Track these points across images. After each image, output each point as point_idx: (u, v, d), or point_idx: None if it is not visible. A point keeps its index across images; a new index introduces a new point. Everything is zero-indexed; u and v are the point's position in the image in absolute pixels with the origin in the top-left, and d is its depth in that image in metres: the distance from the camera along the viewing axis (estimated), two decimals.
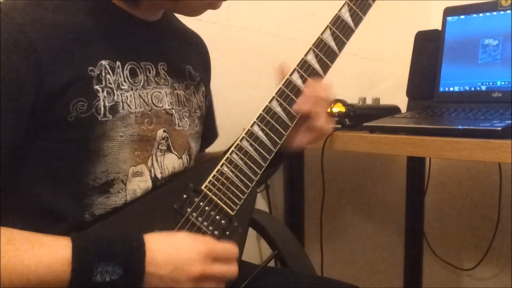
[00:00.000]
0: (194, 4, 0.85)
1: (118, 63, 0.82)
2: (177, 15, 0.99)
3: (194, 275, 0.75)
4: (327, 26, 0.96)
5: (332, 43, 0.96)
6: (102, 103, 0.79)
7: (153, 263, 0.73)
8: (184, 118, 0.92)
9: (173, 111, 0.90)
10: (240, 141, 0.89)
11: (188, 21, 0.99)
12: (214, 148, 1.14)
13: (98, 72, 0.80)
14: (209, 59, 1.08)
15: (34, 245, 0.70)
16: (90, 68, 0.79)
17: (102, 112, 0.79)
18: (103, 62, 0.81)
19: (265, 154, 0.91)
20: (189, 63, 0.98)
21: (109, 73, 0.81)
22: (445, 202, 2.01)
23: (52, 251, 0.69)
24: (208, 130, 1.06)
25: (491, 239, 1.81)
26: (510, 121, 1.05)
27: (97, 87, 0.79)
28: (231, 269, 0.80)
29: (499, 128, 1.03)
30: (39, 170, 0.78)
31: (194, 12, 0.88)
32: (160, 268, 0.73)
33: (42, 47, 0.74)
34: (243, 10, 1.55)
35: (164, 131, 0.88)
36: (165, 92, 0.89)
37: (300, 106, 0.92)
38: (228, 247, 0.80)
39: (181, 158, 0.91)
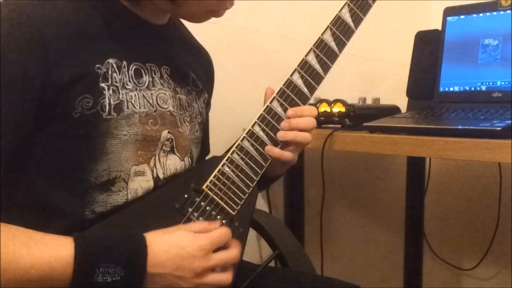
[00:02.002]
0: (195, 9, 0.85)
1: (124, 62, 0.83)
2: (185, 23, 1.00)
3: (197, 271, 0.76)
4: (328, 26, 0.96)
5: (332, 44, 0.96)
6: (107, 101, 0.79)
7: (155, 263, 0.73)
8: (185, 123, 0.92)
9: (176, 114, 0.90)
10: (241, 141, 0.90)
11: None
12: (214, 148, 1.13)
13: (105, 70, 0.80)
14: (213, 75, 1.08)
15: (36, 243, 0.70)
16: (97, 65, 0.79)
17: (107, 109, 0.79)
18: (110, 60, 0.81)
19: (266, 155, 0.91)
20: (192, 71, 0.98)
21: (115, 72, 0.81)
22: (445, 202, 2.02)
23: (54, 250, 0.70)
24: (202, 145, 1.05)
25: (491, 239, 1.81)
26: (510, 121, 1.05)
27: (103, 84, 0.79)
28: (232, 254, 0.81)
29: (499, 128, 1.03)
30: (41, 165, 0.78)
31: (196, 18, 0.89)
32: (162, 267, 0.74)
33: (51, 43, 0.75)
34: (243, 10, 1.55)
35: (169, 132, 0.88)
36: (169, 94, 0.89)
37: (282, 135, 0.91)
38: (223, 232, 0.81)
39: (183, 160, 0.91)
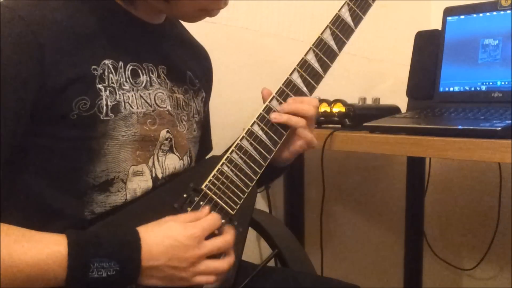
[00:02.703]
0: (188, 8, 0.85)
1: (120, 63, 0.83)
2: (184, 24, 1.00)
3: (192, 260, 0.76)
4: (327, 25, 0.96)
5: (332, 43, 0.96)
6: (104, 102, 0.79)
7: (149, 256, 0.73)
8: (182, 122, 0.92)
9: (174, 113, 0.90)
10: (240, 140, 0.90)
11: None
12: (214, 148, 1.14)
13: (101, 71, 0.80)
14: (212, 73, 1.08)
15: (29, 240, 0.70)
16: (93, 67, 0.79)
17: (104, 111, 0.79)
18: (106, 61, 0.81)
19: (265, 154, 0.91)
20: (189, 69, 0.98)
21: (111, 73, 0.81)
22: (445, 202, 2.01)
23: (48, 247, 0.70)
24: (202, 143, 1.05)
25: (491, 239, 1.81)
26: (510, 121, 1.05)
27: (99, 86, 0.79)
28: (225, 240, 0.81)
29: (499, 128, 1.03)
30: (39, 167, 0.78)
31: (189, 18, 0.89)
32: (156, 259, 0.74)
33: (47, 44, 0.75)
34: (243, 10, 1.55)
35: (168, 131, 0.88)
36: (166, 94, 0.89)
37: (275, 116, 0.91)
38: (213, 218, 0.81)
39: (182, 159, 0.91)
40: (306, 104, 0.92)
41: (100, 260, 0.70)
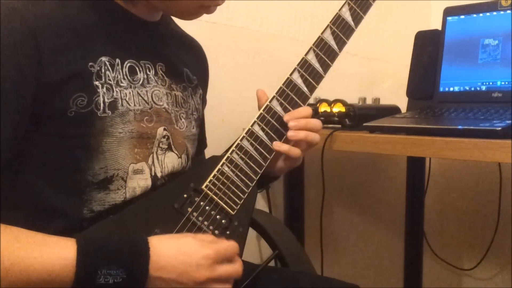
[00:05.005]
0: (186, 5, 0.85)
1: (117, 60, 0.83)
2: (177, 20, 1.00)
3: (200, 280, 0.75)
4: (328, 25, 0.96)
5: (332, 43, 0.96)
6: (101, 99, 0.79)
7: (158, 267, 0.73)
8: (181, 119, 0.92)
9: (171, 111, 0.90)
10: (241, 140, 0.90)
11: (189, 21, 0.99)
12: (214, 148, 1.14)
13: (98, 68, 0.80)
14: (207, 67, 1.08)
15: (38, 244, 0.70)
16: (90, 63, 0.79)
17: (101, 108, 0.79)
18: (103, 58, 0.81)
19: (266, 154, 0.91)
20: (186, 66, 0.98)
21: (108, 70, 0.81)
22: (445, 202, 2.01)
23: (56, 252, 0.69)
24: (199, 141, 1.04)
25: (491, 239, 1.81)
26: (510, 121, 1.05)
27: (96, 82, 0.79)
28: (236, 269, 0.80)
29: (499, 128, 1.03)
30: (37, 165, 0.78)
31: (187, 15, 0.88)
32: (165, 272, 0.73)
33: (43, 41, 0.75)
34: (243, 10, 1.55)
35: (165, 129, 0.88)
36: (163, 92, 0.89)
37: (293, 134, 0.91)
38: (231, 246, 0.81)
39: (180, 157, 0.91)
40: (315, 119, 0.94)
41: (108, 267, 0.70)
